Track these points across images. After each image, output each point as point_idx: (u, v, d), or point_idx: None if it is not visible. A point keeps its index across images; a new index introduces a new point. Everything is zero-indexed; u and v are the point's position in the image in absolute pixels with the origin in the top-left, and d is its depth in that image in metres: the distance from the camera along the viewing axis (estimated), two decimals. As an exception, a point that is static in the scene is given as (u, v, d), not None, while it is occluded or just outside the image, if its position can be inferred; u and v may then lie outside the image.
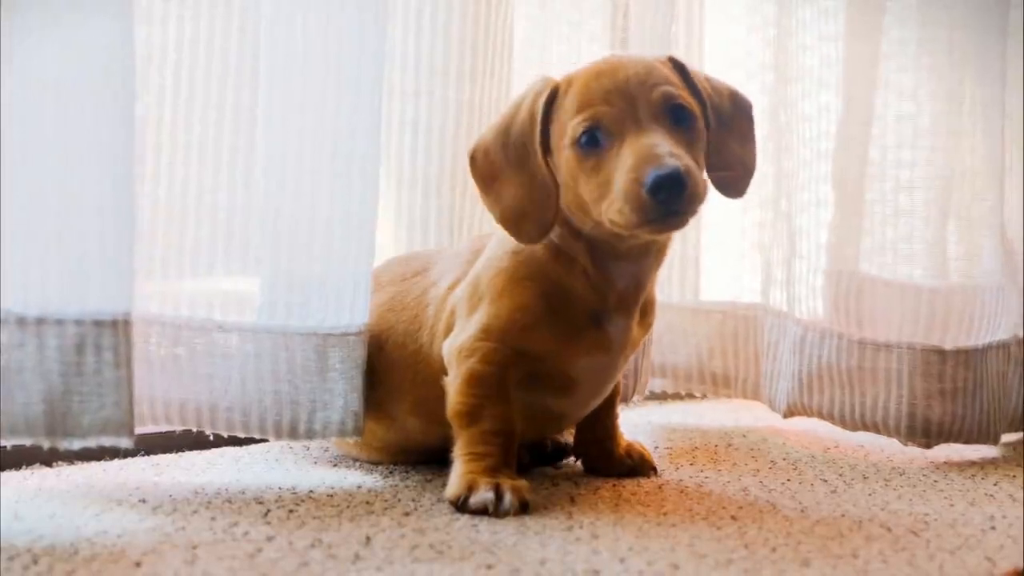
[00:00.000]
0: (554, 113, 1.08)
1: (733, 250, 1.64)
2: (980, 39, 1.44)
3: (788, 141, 1.50)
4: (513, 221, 1.09)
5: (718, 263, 1.66)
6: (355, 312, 1.15)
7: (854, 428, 1.43)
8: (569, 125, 1.05)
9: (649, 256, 1.12)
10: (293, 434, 1.15)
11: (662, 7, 1.45)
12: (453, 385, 1.10)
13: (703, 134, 1.08)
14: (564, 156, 1.06)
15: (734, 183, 1.14)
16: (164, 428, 1.20)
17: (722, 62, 1.60)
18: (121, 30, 1.00)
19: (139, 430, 1.24)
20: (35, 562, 0.86)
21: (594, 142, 1.04)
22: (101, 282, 0.99)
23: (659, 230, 1.03)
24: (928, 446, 1.40)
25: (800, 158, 1.48)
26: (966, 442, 1.40)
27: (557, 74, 1.10)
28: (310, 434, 1.15)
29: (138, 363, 1.12)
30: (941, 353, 1.39)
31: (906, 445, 1.41)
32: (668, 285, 1.60)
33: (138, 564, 0.87)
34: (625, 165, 1.00)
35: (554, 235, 1.10)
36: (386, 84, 1.24)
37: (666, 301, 1.56)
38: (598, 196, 1.03)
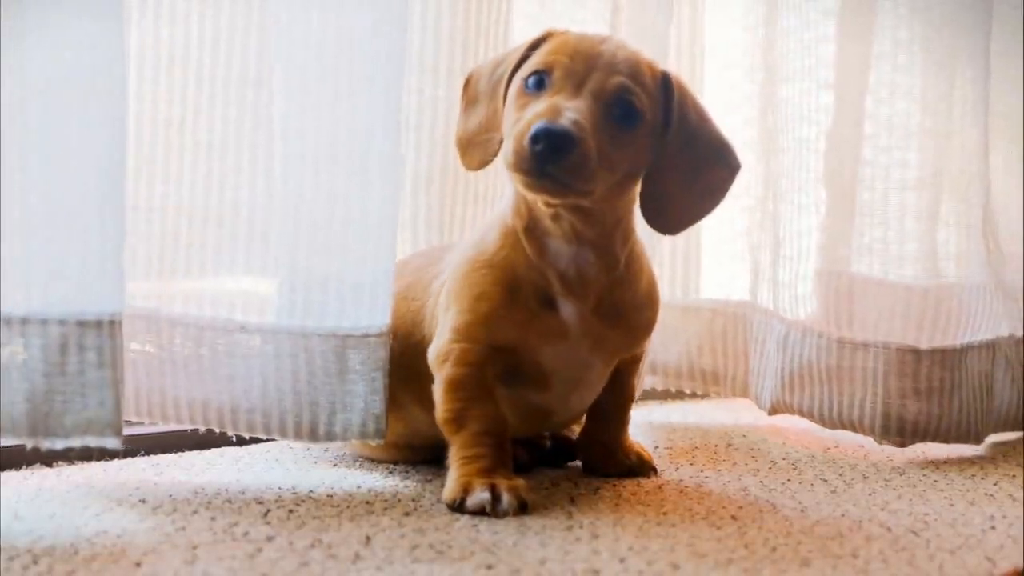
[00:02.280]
0: (533, 56, 1.10)
1: (727, 250, 1.64)
2: (967, 39, 1.44)
3: (778, 143, 1.49)
4: (464, 144, 1.14)
5: (711, 262, 1.65)
6: (375, 313, 1.15)
7: (832, 426, 1.43)
8: (528, 63, 1.08)
9: (582, 245, 1.10)
10: (313, 436, 1.15)
11: (662, 7, 1.45)
12: (437, 393, 1.11)
13: (643, 145, 1.07)
14: (512, 90, 1.08)
15: (671, 220, 1.13)
16: (183, 427, 1.21)
17: (722, 62, 1.60)
18: (112, 31, 0.99)
19: (141, 430, 1.26)
20: (35, 562, 0.86)
21: (539, 85, 1.06)
22: (86, 282, 0.99)
23: (529, 185, 1.02)
24: (903, 445, 1.40)
25: (791, 159, 1.48)
26: (944, 441, 1.40)
27: None
28: (330, 436, 1.15)
29: (164, 363, 1.13)
30: (916, 352, 1.39)
31: (880, 444, 1.41)
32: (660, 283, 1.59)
33: (138, 564, 0.87)
34: (532, 112, 1.02)
35: (509, 212, 1.11)
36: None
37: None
38: (509, 135, 1.05)
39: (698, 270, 1.63)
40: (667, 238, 1.57)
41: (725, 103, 1.59)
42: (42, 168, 0.97)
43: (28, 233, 0.97)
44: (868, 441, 1.46)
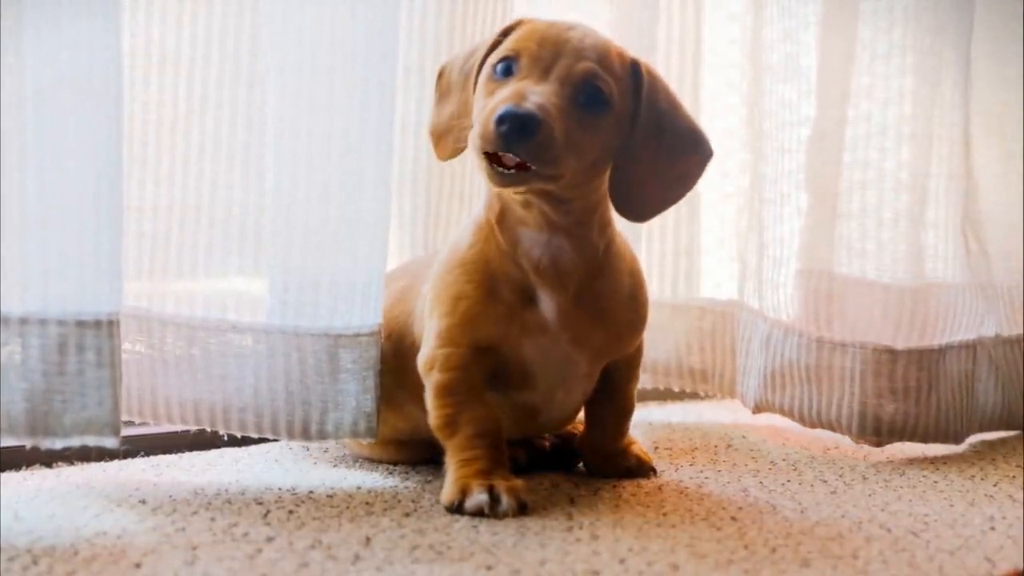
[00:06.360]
0: (502, 44, 1.09)
1: (722, 250, 1.64)
2: (949, 37, 1.44)
3: (774, 144, 1.49)
4: (436, 135, 1.14)
5: (710, 261, 1.65)
6: (367, 312, 1.15)
7: (812, 425, 1.43)
8: (497, 50, 1.08)
9: (555, 232, 1.09)
10: (306, 435, 1.15)
11: (648, 5, 1.45)
12: (428, 399, 1.11)
13: (611, 132, 1.07)
14: (482, 77, 1.08)
15: (640, 207, 1.12)
16: (177, 427, 1.21)
17: (722, 60, 1.60)
18: (109, 30, 0.99)
19: (141, 431, 1.26)
20: (35, 562, 0.86)
21: (507, 72, 1.06)
22: (85, 283, 0.99)
23: (493, 170, 1.01)
24: (879, 444, 1.40)
25: (785, 159, 1.48)
26: (922, 441, 1.40)
27: None
28: (322, 435, 1.15)
29: (155, 363, 1.14)
30: (892, 352, 1.39)
31: (857, 443, 1.42)
32: (651, 281, 1.58)
33: (138, 564, 0.87)
34: (499, 96, 1.02)
35: (483, 207, 1.12)
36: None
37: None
38: (476, 120, 1.04)
39: (692, 269, 1.62)
40: (662, 236, 1.57)
41: (725, 104, 1.59)
42: (40, 168, 0.97)
43: (26, 233, 0.97)
44: (866, 442, 1.47)
